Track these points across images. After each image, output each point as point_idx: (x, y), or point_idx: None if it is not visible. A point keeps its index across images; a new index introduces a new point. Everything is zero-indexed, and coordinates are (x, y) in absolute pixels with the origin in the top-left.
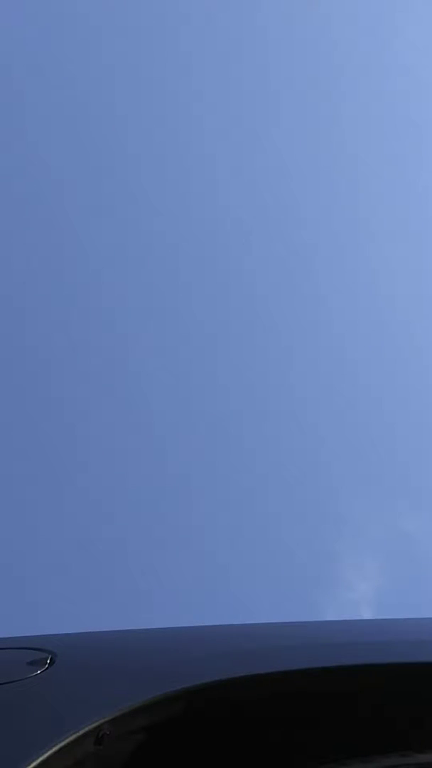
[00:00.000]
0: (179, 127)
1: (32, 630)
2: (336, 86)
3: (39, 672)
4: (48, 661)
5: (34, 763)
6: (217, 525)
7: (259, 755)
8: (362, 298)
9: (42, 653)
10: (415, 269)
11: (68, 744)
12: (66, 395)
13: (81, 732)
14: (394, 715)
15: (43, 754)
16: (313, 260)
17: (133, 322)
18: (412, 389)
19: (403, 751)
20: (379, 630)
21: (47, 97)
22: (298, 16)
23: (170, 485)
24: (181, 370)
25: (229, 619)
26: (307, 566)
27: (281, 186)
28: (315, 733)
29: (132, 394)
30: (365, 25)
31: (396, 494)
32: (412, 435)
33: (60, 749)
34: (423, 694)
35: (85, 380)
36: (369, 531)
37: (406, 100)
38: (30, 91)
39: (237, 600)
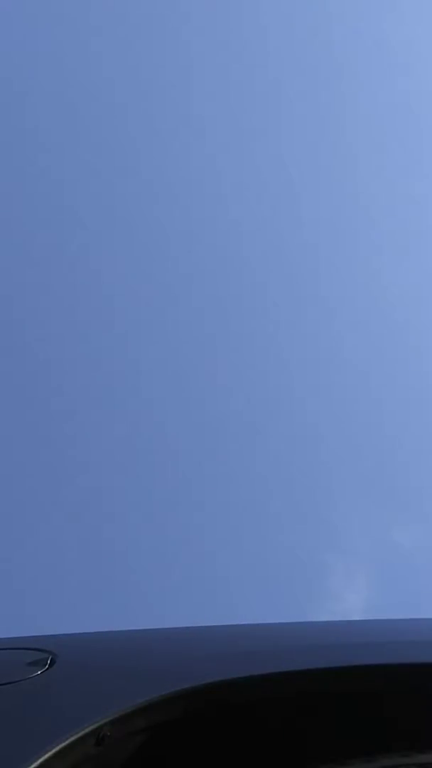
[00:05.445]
0: (179, 126)
1: (32, 630)
2: (336, 85)
3: (39, 672)
4: (48, 662)
5: (35, 764)
6: (216, 529)
7: (260, 755)
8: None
9: (42, 654)
10: (416, 271)
11: (69, 745)
12: (66, 395)
13: (81, 733)
14: (395, 715)
15: (43, 755)
16: (314, 260)
17: (132, 323)
18: (408, 399)
19: (404, 751)
20: (379, 630)
21: (47, 96)
22: (298, 15)
23: (170, 492)
24: (180, 375)
25: (226, 622)
26: (299, 577)
27: (281, 185)
28: (315, 733)
29: (132, 395)
30: (365, 24)
31: (388, 506)
32: (408, 445)
33: (60, 750)
34: (423, 694)
35: (86, 380)
36: (360, 542)
37: (406, 99)
38: (30, 91)
39: (233, 608)
